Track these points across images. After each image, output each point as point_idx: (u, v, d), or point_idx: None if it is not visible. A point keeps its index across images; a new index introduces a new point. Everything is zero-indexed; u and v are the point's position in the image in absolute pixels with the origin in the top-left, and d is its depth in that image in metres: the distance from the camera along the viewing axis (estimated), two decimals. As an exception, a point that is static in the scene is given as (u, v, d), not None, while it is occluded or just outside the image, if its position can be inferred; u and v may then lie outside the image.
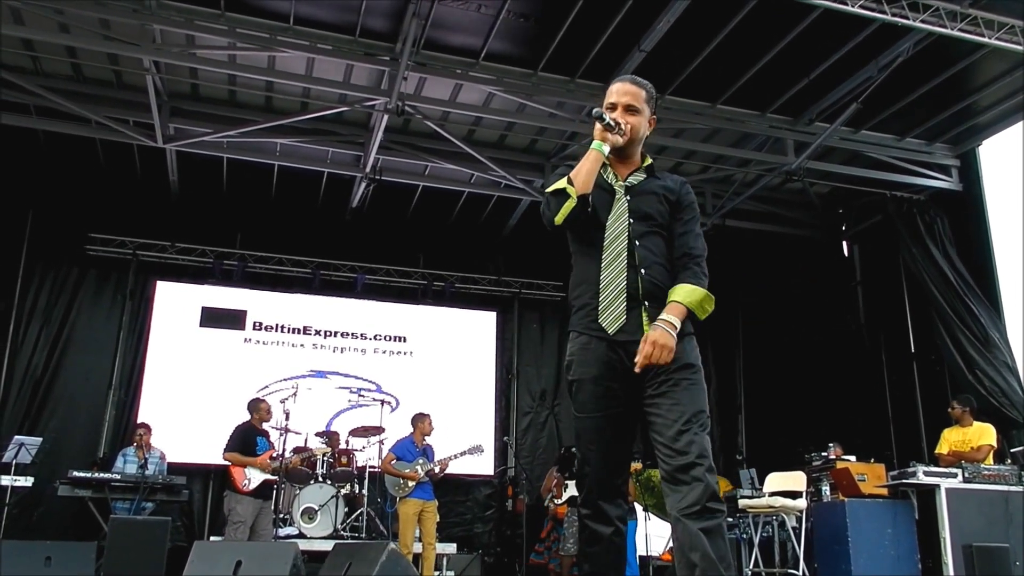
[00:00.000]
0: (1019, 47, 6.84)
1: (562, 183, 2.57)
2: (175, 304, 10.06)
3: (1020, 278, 8.85)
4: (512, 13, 7.24)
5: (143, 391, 9.55)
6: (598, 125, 2.64)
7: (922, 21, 6.59)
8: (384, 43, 7.62)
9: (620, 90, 2.73)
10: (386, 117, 8.13)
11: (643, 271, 2.57)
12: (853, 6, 6.37)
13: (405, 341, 10.77)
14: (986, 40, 6.77)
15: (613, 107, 2.70)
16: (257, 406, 7.63)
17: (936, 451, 7.43)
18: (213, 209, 10.38)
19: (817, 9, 6.66)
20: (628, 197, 2.68)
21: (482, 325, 11.14)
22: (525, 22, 7.43)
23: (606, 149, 2.61)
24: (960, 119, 8.87)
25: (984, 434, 7.10)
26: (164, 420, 9.00)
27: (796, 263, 11.05)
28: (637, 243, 2.60)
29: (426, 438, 7.78)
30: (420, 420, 7.81)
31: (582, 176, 2.56)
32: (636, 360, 2.45)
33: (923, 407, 9.24)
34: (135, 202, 10.06)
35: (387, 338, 10.73)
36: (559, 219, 2.55)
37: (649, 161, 2.79)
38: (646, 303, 2.55)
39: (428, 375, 10.55)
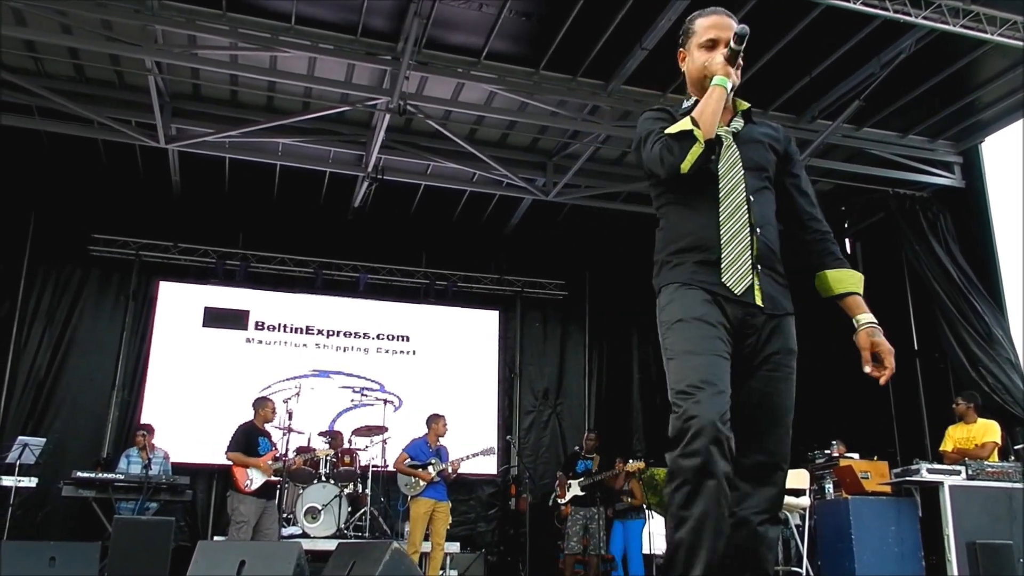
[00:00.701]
0: (1021, 43, 6.83)
1: (686, 124, 2.21)
2: (178, 304, 10.08)
3: (1022, 275, 8.82)
4: (514, 12, 7.24)
5: (146, 391, 9.56)
6: (719, 57, 2.30)
7: (924, 18, 6.57)
8: (386, 42, 7.62)
9: (721, 24, 2.38)
10: (388, 116, 8.13)
11: (759, 230, 2.30)
12: (855, 3, 6.36)
13: (408, 340, 10.77)
14: (988, 36, 6.75)
15: (713, 43, 2.36)
16: (263, 404, 7.63)
17: (940, 448, 7.41)
18: (215, 209, 10.40)
19: (819, 6, 6.65)
20: (736, 144, 2.37)
21: (485, 324, 11.15)
22: (527, 21, 7.42)
23: (730, 85, 2.28)
24: (963, 116, 8.85)
25: (988, 431, 7.10)
26: (167, 420, 9.02)
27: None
28: (752, 198, 2.32)
29: (440, 439, 7.78)
30: (435, 421, 7.80)
31: (708, 117, 2.22)
32: (883, 376, 2.29)
33: (926, 404, 9.22)
34: (138, 202, 10.08)
35: (390, 337, 10.73)
36: (686, 166, 2.21)
37: (746, 105, 2.48)
38: (759, 266, 2.29)
39: (431, 374, 10.55)
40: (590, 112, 8.68)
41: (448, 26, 7.48)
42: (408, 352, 10.74)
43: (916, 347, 9.46)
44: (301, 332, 10.44)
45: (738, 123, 2.44)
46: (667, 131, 2.24)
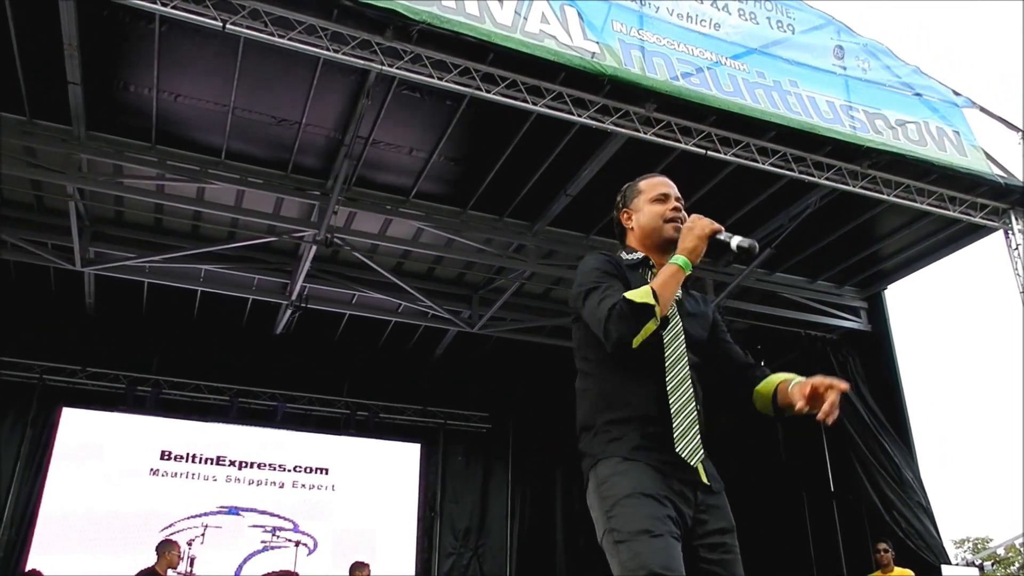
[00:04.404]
0: (914, 203, 7.37)
1: (647, 296, 2.12)
2: (80, 433, 9.50)
3: (929, 417, 9.15)
4: (443, 157, 7.47)
5: (36, 530, 8.84)
6: (697, 241, 2.23)
7: (826, 179, 7.06)
8: (315, 179, 7.72)
9: (669, 183, 2.47)
10: (314, 248, 8.14)
11: (699, 408, 2.25)
12: (764, 164, 6.80)
13: (327, 473, 10.37)
14: (884, 197, 7.28)
15: (666, 197, 2.43)
16: (168, 548, 7.14)
17: (860, 597, 7.41)
18: (130, 332, 10.04)
19: (732, 164, 7.07)
20: (679, 316, 2.33)
21: (406, 458, 10.84)
22: (456, 165, 7.66)
23: (691, 269, 2.26)
24: (867, 265, 9.39)
25: (906, 581, 7.15)
26: (59, 563, 8.32)
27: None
28: (694, 372, 2.29)
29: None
30: (359, 570, 7.42)
31: (668, 296, 2.17)
32: (828, 415, 2.04)
33: (844, 546, 9.28)
34: (46, 324, 9.65)
35: (307, 470, 10.31)
36: (638, 342, 2.11)
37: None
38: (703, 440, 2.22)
39: (348, 512, 10.10)
40: (515, 250, 8.87)
41: (378, 167, 7.65)
42: (326, 487, 10.30)
43: (832, 489, 9.61)
44: (212, 463, 9.94)
45: (678, 293, 2.40)
46: (627, 297, 2.14)
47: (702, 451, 2.18)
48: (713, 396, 2.43)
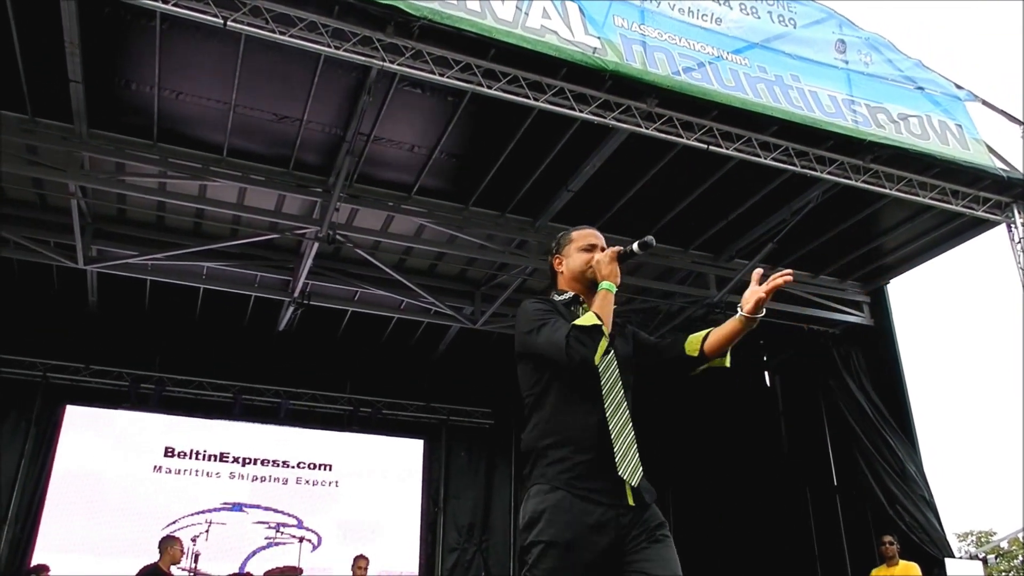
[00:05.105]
0: (917, 198, 7.36)
1: (593, 319, 2.40)
2: (84, 430, 9.54)
3: (932, 410, 9.15)
4: (445, 153, 7.46)
5: (41, 527, 8.87)
6: (612, 266, 2.54)
7: (828, 173, 7.04)
8: (317, 176, 7.72)
9: (597, 234, 2.74)
10: (316, 245, 8.14)
11: (633, 427, 2.45)
12: (766, 158, 6.78)
13: (330, 470, 10.39)
14: (886, 191, 7.25)
15: (593, 247, 2.69)
16: (171, 544, 7.17)
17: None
18: (133, 330, 10.07)
19: (733, 159, 7.06)
20: (610, 344, 2.51)
21: (409, 454, 10.87)
22: (457, 162, 7.65)
23: (615, 290, 2.53)
24: (869, 259, 9.38)
25: (911, 573, 7.14)
26: (64, 561, 8.35)
27: (721, 394, 11.22)
28: (628, 395, 2.51)
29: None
30: (356, 563, 7.44)
31: (608, 316, 2.44)
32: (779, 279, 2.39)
33: (847, 541, 9.29)
34: (49, 322, 9.68)
35: (311, 466, 10.34)
36: (598, 357, 2.37)
37: None
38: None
39: (352, 508, 10.14)
40: (518, 246, 8.86)
41: (380, 163, 7.64)
42: (329, 483, 10.33)
43: (836, 483, 9.61)
44: (215, 460, 9.97)
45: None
46: (577, 323, 2.41)
47: (640, 471, 2.38)
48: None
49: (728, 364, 2.63)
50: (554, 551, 2.28)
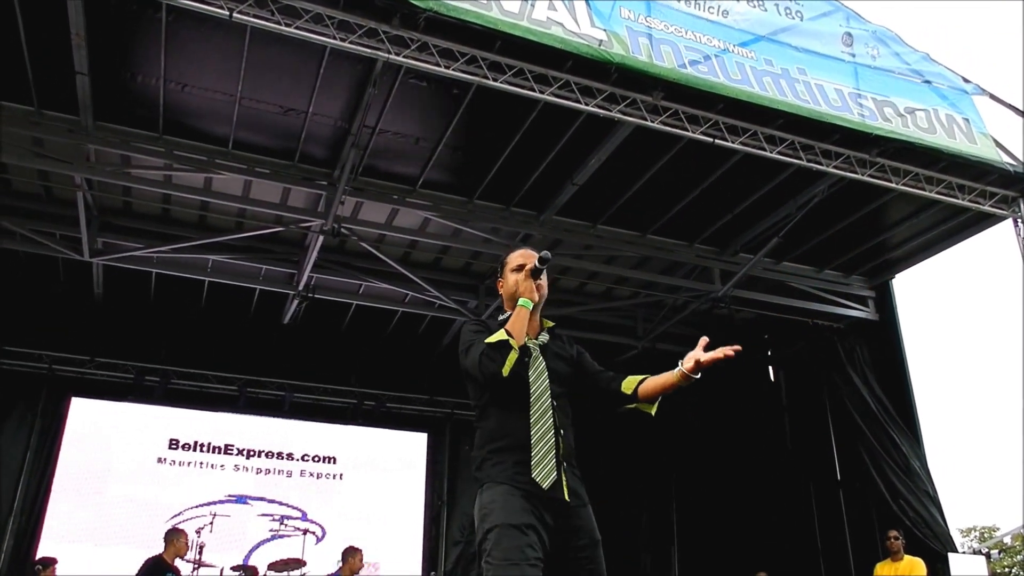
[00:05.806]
0: (923, 192, 7.33)
1: (501, 335, 2.64)
2: (89, 423, 9.57)
3: (936, 406, 9.14)
4: (450, 146, 7.45)
5: (47, 519, 8.91)
6: (527, 283, 2.79)
7: (834, 167, 7.01)
8: (323, 169, 7.71)
9: (527, 254, 2.91)
10: (321, 238, 8.14)
11: (562, 432, 2.68)
12: (771, 152, 6.76)
13: (334, 463, 10.42)
14: (892, 185, 7.22)
15: (521, 267, 2.86)
16: (176, 536, 7.19)
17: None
18: (138, 322, 10.10)
19: (739, 153, 7.04)
20: (543, 357, 2.80)
21: (413, 447, 10.89)
22: (462, 155, 7.64)
23: (531, 305, 2.76)
24: (874, 254, 9.35)
25: (915, 569, 7.14)
26: (69, 552, 8.38)
27: (725, 388, 11.21)
28: (556, 403, 2.71)
29: (355, 575, 7.42)
30: (352, 555, 7.47)
31: (518, 329, 2.67)
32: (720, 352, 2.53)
33: (850, 535, 9.29)
34: (55, 314, 9.71)
35: (315, 459, 10.37)
36: (506, 370, 2.60)
37: (551, 324, 2.96)
38: (564, 464, 2.64)
39: (356, 501, 10.17)
40: (522, 239, 8.84)
41: (385, 156, 7.63)
42: (334, 476, 10.36)
43: (839, 478, 9.60)
44: (219, 452, 10.00)
45: (544, 337, 2.89)
46: (488, 340, 2.65)
47: (555, 475, 2.58)
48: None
49: (653, 413, 2.82)
50: (506, 532, 2.47)
